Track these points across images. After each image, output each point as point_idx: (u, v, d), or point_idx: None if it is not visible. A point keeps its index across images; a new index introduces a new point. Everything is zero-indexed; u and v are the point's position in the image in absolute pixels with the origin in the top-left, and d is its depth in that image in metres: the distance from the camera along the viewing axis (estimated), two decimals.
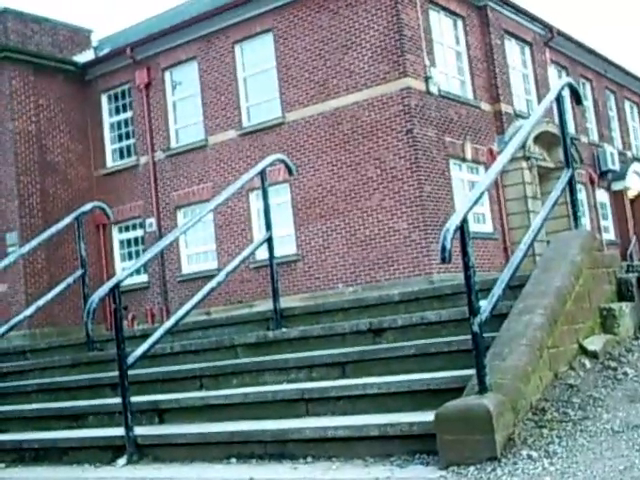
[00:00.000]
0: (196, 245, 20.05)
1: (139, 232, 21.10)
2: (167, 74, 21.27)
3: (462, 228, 4.11)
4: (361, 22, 18.15)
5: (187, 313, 5.75)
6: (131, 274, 5.44)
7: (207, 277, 18.92)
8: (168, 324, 5.50)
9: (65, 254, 19.01)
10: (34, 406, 6.73)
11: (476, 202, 4.43)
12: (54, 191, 20.44)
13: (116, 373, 5.43)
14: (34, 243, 7.75)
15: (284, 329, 6.45)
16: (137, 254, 21.06)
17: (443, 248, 3.95)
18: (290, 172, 7.03)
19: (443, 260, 3.97)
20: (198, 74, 20.67)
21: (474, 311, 4.08)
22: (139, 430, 5.22)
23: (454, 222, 4.07)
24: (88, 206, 8.07)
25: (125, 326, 10.63)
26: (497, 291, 4.39)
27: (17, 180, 19.81)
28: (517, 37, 21.99)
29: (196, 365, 6.23)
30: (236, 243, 19.06)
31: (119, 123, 22.11)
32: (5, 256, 18.49)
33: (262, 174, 6.63)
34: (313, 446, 4.49)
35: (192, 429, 5.15)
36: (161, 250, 6.21)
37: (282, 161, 7.02)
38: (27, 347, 8.71)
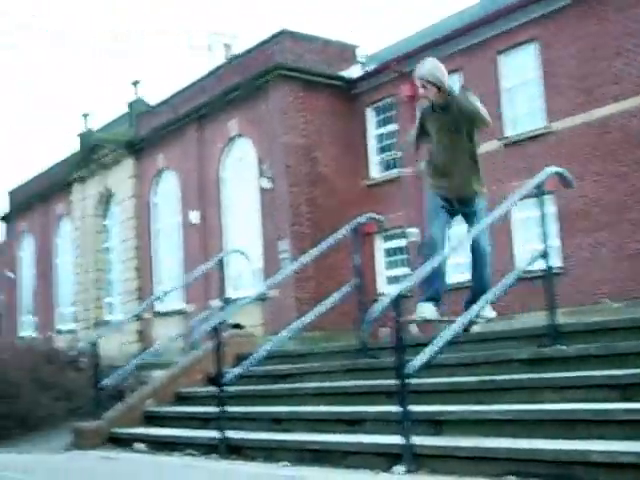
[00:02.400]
0: (456, 256, 19.95)
1: (402, 241, 21.48)
2: None
3: None
4: (631, 26, 17.34)
5: (464, 325, 5.80)
6: (409, 285, 5.56)
7: (466, 288, 18.94)
8: (447, 336, 5.55)
9: (333, 262, 19.68)
10: (313, 408, 7.05)
11: None
12: (322, 201, 21.32)
13: (392, 381, 5.58)
14: (315, 252, 8.11)
15: (560, 346, 6.30)
16: (399, 263, 21.48)
17: None
18: (569, 185, 6.87)
19: None
20: (461, 86, 20.71)
21: None
22: (415, 439, 5.31)
23: None
24: (364, 217, 8.36)
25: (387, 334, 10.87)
26: None
27: (289, 191, 20.90)
28: None
29: (470, 378, 6.23)
30: (500, 252, 18.83)
31: (384, 135, 22.65)
32: (277, 261, 19.59)
33: (539, 187, 6.55)
34: (603, 471, 4.34)
35: (469, 443, 5.16)
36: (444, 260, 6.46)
37: (559, 174, 6.87)
38: (304, 351, 9.16)
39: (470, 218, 7.20)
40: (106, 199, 30.15)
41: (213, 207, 24.11)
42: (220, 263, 9.63)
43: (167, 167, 26.69)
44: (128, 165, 28.30)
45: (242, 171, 23.14)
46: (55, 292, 33.53)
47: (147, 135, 27.25)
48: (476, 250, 7.18)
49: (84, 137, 30.97)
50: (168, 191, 26.79)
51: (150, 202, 27.56)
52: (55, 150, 69.57)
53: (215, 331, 7.38)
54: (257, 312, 20.03)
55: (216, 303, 10.53)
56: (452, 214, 7.25)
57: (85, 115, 31.62)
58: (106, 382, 8.74)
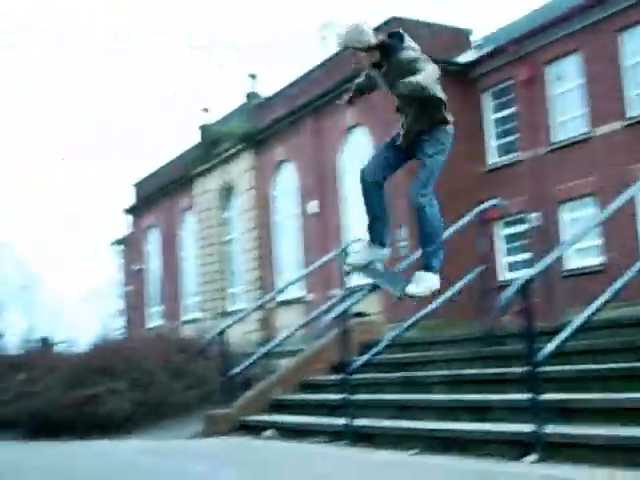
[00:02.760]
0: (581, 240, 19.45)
1: (523, 227, 21.11)
2: (548, 68, 21.04)
3: None
4: None
5: (597, 311, 5.70)
6: (542, 271, 5.51)
7: (591, 273, 18.51)
8: (577, 323, 5.49)
9: (450, 248, 19.50)
10: (440, 396, 7.07)
11: None
12: (439, 187, 20.93)
13: (521, 369, 5.54)
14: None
15: None
16: (520, 249, 21.13)
17: None
18: None
19: None
20: (580, 66, 20.18)
21: None
22: (547, 428, 5.26)
23: None
24: (488, 204, 8.31)
25: (508, 321, 10.75)
26: None
27: (406, 178, 20.86)
28: None
29: (599, 366, 6.14)
30: (623, 237, 18.29)
31: (501, 119, 22.31)
32: (395, 249, 19.59)
33: None
34: None
35: (603, 431, 5.08)
36: (569, 246, 6.30)
37: None
38: (428, 338, 9.19)
39: (417, 148, 6.15)
40: (227, 192, 30.82)
41: (331, 197, 24.32)
42: (341, 252, 9.75)
43: (285, 159, 27.07)
44: (247, 158, 28.84)
45: (359, 160, 23.24)
46: (181, 283, 34.53)
47: (265, 127, 27.69)
48: (412, 204, 6.25)
49: (204, 130, 31.67)
50: (287, 182, 27.18)
51: (269, 193, 28.02)
52: (177, 142, 71.49)
53: (339, 319, 7.50)
54: (376, 300, 20.09)
55: (336, 292, 10.66)
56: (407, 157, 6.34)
57: (205, 109, 32.29)
58: (235, 371, 8.99)
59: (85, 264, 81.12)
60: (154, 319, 35.80)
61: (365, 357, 7.45)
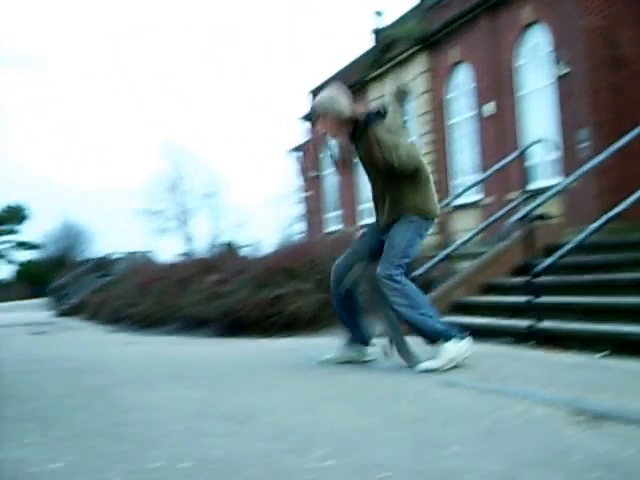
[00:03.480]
0: None
1: None
2: None
3: None
4: None
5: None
6: None
7: None
8: None
9: (636, 149, 18.65)
10: (629, 299, 6.93)
11: None
12: (623, 86, 20.01)
13: None
14: (625, 140, 7.84)
15: None
16: None
17: None
18: None
19: None
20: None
21: None
22: None
23: None
24: None
25: None
26: None
27: (588, 76, 19.91)
28: None
29: None
30: None
31: None
32: (575, 151, 18.97)
33: None
34: None
35: None
36: None
37: None
38: (615, 241, 8.96)
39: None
40: (401, 96, 30.59)
41: (508, 98, 23.62)
42: (521, 154, 9.58)
43: (460, 60, 26.45)
44: (421, 61, 28.37)
45: (537, 58, 22.35)
46: (357, 189, 34.96)
47: (439, 28, 27.07)
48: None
49: (377, 34, 31.37)
50: (462, 84, 26.60)
51: (444, 96, 27.58)
52: (349, 47, 71.03)
53: (522, 222, 7.44)
54: (556, 203, 19.61)
55: (515, 195, 10.52)
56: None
57: (378, 13, 31.93)
58: (416, 273, 9.11)
59: (266, 171, 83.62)
60: (331, 224, 36.56)
61: (551, 259, 7.36)
